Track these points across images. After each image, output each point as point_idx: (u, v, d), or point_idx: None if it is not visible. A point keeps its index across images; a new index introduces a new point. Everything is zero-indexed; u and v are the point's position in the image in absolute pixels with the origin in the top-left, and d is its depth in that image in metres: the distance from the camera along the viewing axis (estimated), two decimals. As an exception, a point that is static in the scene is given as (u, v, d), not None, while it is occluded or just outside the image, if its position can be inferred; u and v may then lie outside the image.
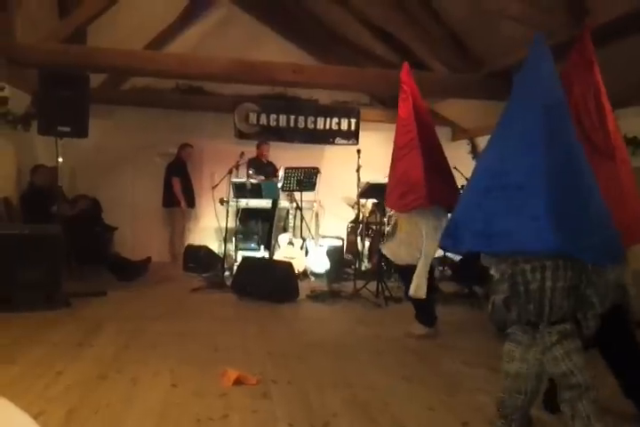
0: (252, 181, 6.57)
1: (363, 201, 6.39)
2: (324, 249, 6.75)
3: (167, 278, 6.24)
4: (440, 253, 7.09)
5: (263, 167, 7.21)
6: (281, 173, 6.54)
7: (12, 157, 5.74)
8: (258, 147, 7.43)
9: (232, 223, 6.68)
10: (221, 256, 6.49)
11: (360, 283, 5.63)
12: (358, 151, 5.84)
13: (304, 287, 5.65)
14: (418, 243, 4.13)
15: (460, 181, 6.60)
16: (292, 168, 6.54)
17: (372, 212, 6.80)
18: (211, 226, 7.42)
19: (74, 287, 5.00)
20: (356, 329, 4.39)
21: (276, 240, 6.62)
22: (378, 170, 5.57)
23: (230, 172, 6.20)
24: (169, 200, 7.36)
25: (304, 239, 6.73)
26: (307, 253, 6.66)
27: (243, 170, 6.49)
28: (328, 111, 7.96)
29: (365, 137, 7.84)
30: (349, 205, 6.85)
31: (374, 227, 6.88)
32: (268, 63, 5.88)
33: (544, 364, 2.13)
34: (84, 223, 6.09)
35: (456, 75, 6.19)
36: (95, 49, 5.74)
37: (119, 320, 4.32)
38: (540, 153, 2.08)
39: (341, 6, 6.62)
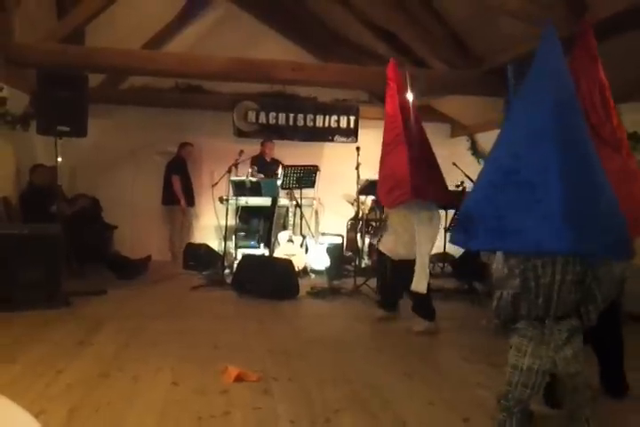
0: (252, 179, 6.57)
1: (362, 198, 6.40)
2: (324, 246, 6.76)
3: (167, 277, 6.24)
4: (440, 249, 7.16)
5: (266, 165, 7.21)
6: (280, 171, 6.54)
7: (11, 156, 5.74)
8: (262, 145, 7.43)
9: (232, 221, 6.69)
10: (221, 254, 6.50)
11: (360, 280, 5.64)
12: (357, 149, 5.85)
13: (304, 284, 5.65)
14: (412, 237, 4.16)
15: (460, 178, 6.66)
16: (291, 166, 6.54)
17: (371, 209, 6.81)
18: (210, 224, 7.42)
19: (74, 286, 5.00)
20: (357, 326, 4.39)
21: (276, 238, 6.62)
22: (377, 167, 5.54)
23: (229, 170, 6.20)
24: (169, 198, 7.37)
25: (304, 237, 6.73)
26: (307, 250, 6.67)
27: (242, 168, 6.48)
28: (327, 109, 7.95)
29: (365, 134, 7.83)
30: (349, 203, 6.86)
31: (374, 224, 6.87)
32: (267, 61, 5.88)
33: (556, 362, 2.17)
34: (84, 222, 6.09)
35: (455, 71, 6.18)
36: (93, 49, 5.74)
37: (119, 319, 4.32)
38: (554, 150, 2.08)
39: (342, 5, 6.61)
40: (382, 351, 3.73)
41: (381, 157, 4.32)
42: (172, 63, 5.72)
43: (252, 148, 6.96)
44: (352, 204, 6.74)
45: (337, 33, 7.59)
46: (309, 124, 7.87)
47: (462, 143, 8.08)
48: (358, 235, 6.73)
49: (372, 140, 7.35)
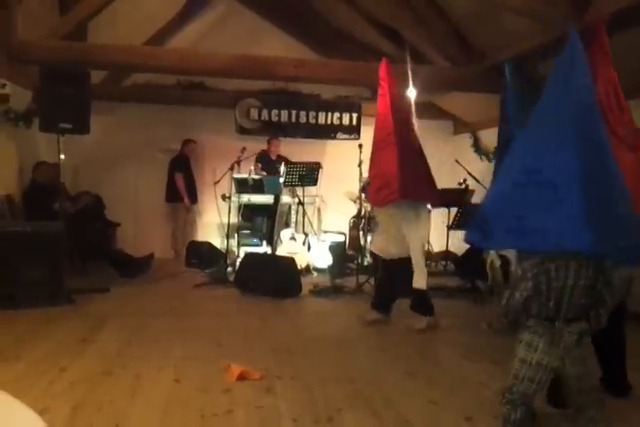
0: (254, 176, 6.57)
1: (364, 196, 6.39)
2: (327, 244, 6.75)
3: (170, 274, 6.25)
4: (442, 247, 7.16)
5: (271, 163, 7.19)
6: (282, 169, 6.54)
7: (13, 154, 5.75)
8: (268, 142, 7.42)
9: (234, 219, 6.69)
10: (224, 252, 6.49)
11: (362, 278, 5.64)
12: (360, 146, 5.84)
13: (306, 283, 5.65)
14: (402, 236, 4.19)
15: (462, 175, 6.64)
16: (293, 163, 6.54)
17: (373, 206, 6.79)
18: (213, 222, 7.43)
19: (77, 284, 5.02)
20: (359, 324, 4.39)
21: (279, 235, 6.62)
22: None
23: (232, 167, 6.20)
24: (172, 195, 7.37)
25: (306, 234, 6.73)
26: (309, 248, 6.67)
27: (244, 166, 6.47)
28: (329, 106, 7.93)
29: (367, 131, 7.76)
30: (351, 200, 6.85)
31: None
32: (269, 58, 5.86)
33: (565, 361, 2.21)
34: (87, 220, 6.10)
35: (458, 68, 6.16)
36: (96, 45, 5.74)
37: (122, 316, 4.33)
38: (576, 151, 2.10)
39: (344, 2, 6.59)
40: (385, 350, 3.73)
41: (371, 156, 4.36)
42: (175, 60, 5.71)
43: (255, 145, 6.95)
44: (354, 201, 6.73)
45: (339, 29, 7.57)
46: (312, 121, 7.86)
47: (465, 140, 8.07)
48: (361, 233, 6.73)
49: (374, 137, 7.38)
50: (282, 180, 6.46)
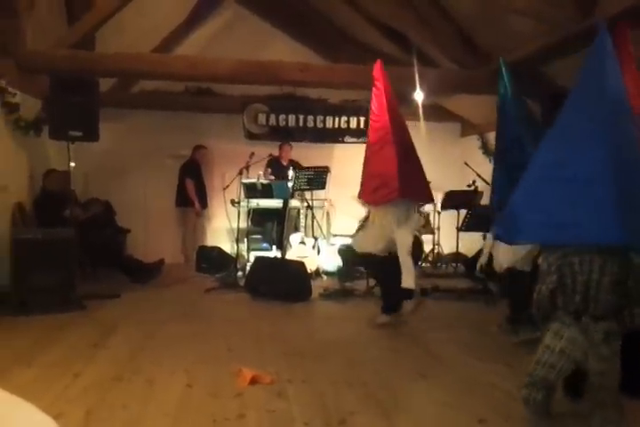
0: (263, 181, 6.58)
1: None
2: (336, 248, 6.75)
3: (180, 280, 6.27)
4: (453, 249, 7.13)
5: (281, 168, 7.19)
6: (291, 173, 6.54)
7: (24, 162, 5.79)
8: (280, 148, 7.44)
9: (244, 224, 6.71)
10: (234, 257, 6.51)
11: (372, 281, 5.63)
12: (368, 149, 5.83)
13: (316, 286, 5.66)
14: (391, 235, 4.25)
15: (471, 177, 6.63)
16: (302, 168, 6.54)
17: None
18: (222, 227, 7.44)
19: (88, 290, 5.05)
20: (369, 327, 4.38)
21: (288, 240, 6.62)
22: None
23: (241, 172, 6.22)
24: (182, 200, 7.39)
25: (316, 238, 6.73)
26: (318, 252, 6.66)
27: (253, 170, 6.49)
28: (337, 110, 7.93)
29: (375, 135, 7.81)
30: (360, 204, 6.83)
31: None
32: (275, 63, 5.88)
33: (588, 356, 2.24)
34: (97, 226, 6.13)
35: (465, 70, 6.14)
36: (104, 54, 5.78)
37: (133, 322, 4.35)
38: (608, 148, 2.14)
39: (349, 5, 6.60)
40: (396, 352, 3.72)
41: (367, 156, 4.41)
42: (182, 66, 5.74)
43: (263, 150, 6.97)
44: (363, 205, 6.71)
45: (345, 33, 7.57)
46: (319, 125, 7.86)
47: (473, 142, 8.04)
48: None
49: (382, 140, 7.37)
50: (290, 184, 6.48)
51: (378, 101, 4.32)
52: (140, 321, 4.38)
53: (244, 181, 6.42)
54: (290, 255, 6.35)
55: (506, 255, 3.93)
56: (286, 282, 5.34)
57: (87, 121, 5.04)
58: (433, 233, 7.36)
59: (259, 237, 7.29)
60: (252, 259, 6.34)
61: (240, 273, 6.22)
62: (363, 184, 4.43)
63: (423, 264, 7.37)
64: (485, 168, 7.10)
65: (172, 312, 4.76)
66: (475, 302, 5.30)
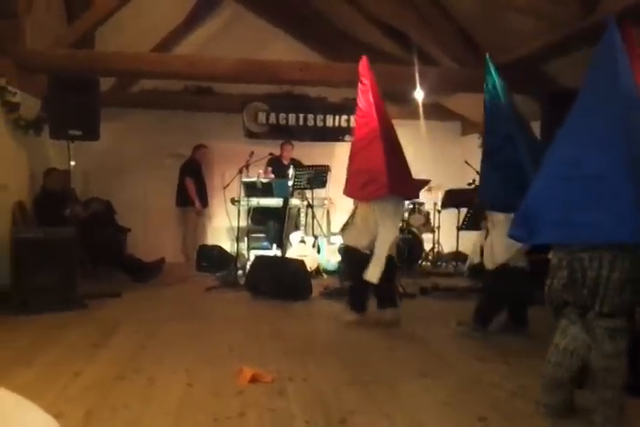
0: (263, 180, 6.58)
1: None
2: (336, 246, 6.75)
3: (181, 279, 6.27)
4: (453, 248, 7.13)
5: (282, 167, 7.19)
6: (291, 172, 6.54)
7: (24, 161, 5.79)
8: (281, 147, 7.43)
9: (244, 222, 6.71)
10: (234, 255, 6.51)
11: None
12: (368, 148, 5.83)
13: (317, 285, 5.65)
14: (376, 232, 4.25)
15: (471, 175, 6.62)
16: (302, 166, 6.54)
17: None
18: (223, 225, 7.45)
19: (89, 289, 5.06)
20: (370, 326, 4.37)
21: (288, 238, 6.62)
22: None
23: (241, 171, 6.21)
24: (182, 200, 7.39)
25: (316, 237, 6.73)
26: (319, 250, 6.67)
27: (253, 169, 6.49)
28: (337, 108, 7.92)
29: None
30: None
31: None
32: (274, 62, 5.88)
33: (592, 352, 2.25)
34: (98, 225, 6.13)
35: (466, 69, 6.13)
36: (103, 53, 5.79)
37: (134, 321, 4.35)
38: (622, 146, 2.13)
39: (350, 4, 6.59)
40: (396, 351, 3.72)
41: (353, 153, 4.40)
42: (181, 65, 5.74)
43: (263, 149, 6.97)
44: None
45: (345, 32, 7.56)
46: (319, 124, 7.85)
47: (473, 141, 8.02)
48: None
49: (382, 139, 7.37)
50: (290, 183, 6.47)
51: (364, 98, 4.33)
52: (141, 320, 4.38)
53: (245, 179, 6.42)
54: (290, 254, 6.35)
55: (500, 251, 3.92)
56: (286, 281, 5.34)
57: (87, 120, 5.04)
58: (433, 232, 7.36)
59: (259, 235, 7.29)
60: (252, 258, 6.34)
61: (240, 272, 6.22)
62: (349, 180, 4.43)
63: (423, 263, 7.39)
64: (486, 167, 7.10)
65: (172, 311, 4.76)
66: (475, 300, 5.27)
